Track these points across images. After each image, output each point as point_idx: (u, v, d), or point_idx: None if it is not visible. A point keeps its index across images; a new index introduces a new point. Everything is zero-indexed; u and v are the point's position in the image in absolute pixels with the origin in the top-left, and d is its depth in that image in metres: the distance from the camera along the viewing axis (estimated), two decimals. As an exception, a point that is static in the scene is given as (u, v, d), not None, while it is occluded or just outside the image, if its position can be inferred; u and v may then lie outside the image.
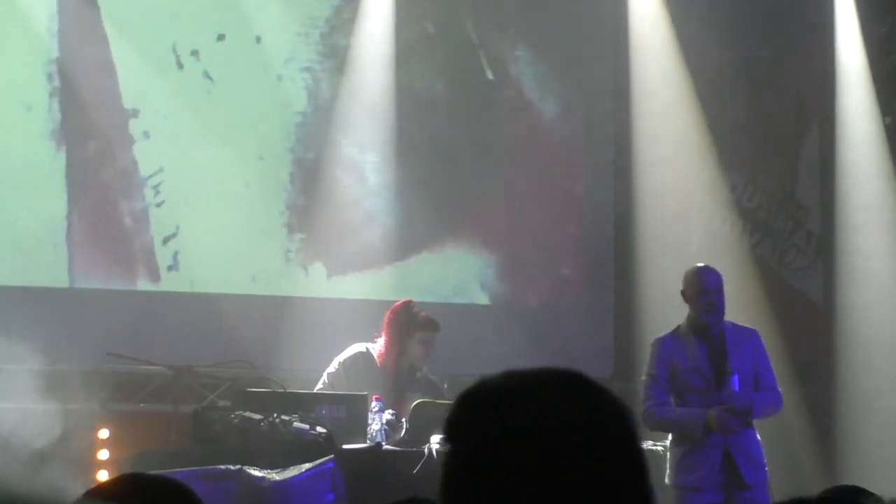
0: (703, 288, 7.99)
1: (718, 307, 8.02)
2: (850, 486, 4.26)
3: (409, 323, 8.52)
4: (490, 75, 11.15)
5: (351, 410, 8.13)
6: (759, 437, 8.08)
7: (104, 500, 2.58)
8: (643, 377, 8.21)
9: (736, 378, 8.03)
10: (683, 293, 8.11)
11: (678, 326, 8.15)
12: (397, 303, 8.63)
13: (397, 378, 8.56)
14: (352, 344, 8.59)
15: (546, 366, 1.91)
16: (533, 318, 11.00)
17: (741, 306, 10.26)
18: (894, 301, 11.23)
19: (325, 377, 8.47)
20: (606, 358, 11.05)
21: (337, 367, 8.48)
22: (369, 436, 8.04)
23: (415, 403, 8.15)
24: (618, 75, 11.29)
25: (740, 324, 8.29)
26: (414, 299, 8.77)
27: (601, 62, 11.35)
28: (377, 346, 8.53)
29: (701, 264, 8.38)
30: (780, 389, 8.15)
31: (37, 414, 8.89)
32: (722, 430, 7.87)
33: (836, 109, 11.46)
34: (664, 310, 9.08)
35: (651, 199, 11.17)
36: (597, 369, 10.28)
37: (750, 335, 8.22)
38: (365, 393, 8.18)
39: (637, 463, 1.83)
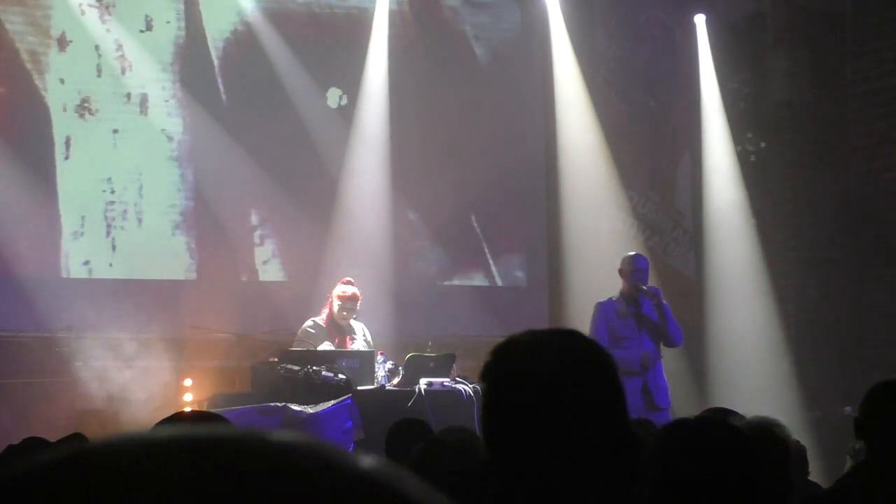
0: (636, 267, 8.90)
1: (645, 281, 8.94)
2: (719, 408, 4.37)
3: (335, 294, 9.29)
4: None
5: (362, 362, 8.81)
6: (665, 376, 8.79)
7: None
8: (589, 330, 8.76)
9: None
10: (621, 271, 8.94)
11: (614, 296, 8.91)
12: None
13: (336, 331, 9.22)
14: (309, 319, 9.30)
15: (553, 327, 2.05)
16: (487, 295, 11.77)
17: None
18: (744, 277, 12.19)
19: (299, 335, 9.22)
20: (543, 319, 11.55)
21: (300, 332, 9.23)
22: (376, 380, 8.78)
23: (408, 356, 8.89)
24: (548, 128, 12.10)
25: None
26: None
27: (535, 120, 12.18)
28: (323, 316, 9.27)
29: (633, 252, 9.21)
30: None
31: (144, 369, 9.64)
32: (650, 363, 8.70)
33: (702, 142, 12.58)
34: (588, 285, 9.93)
35: (574, 211, 11.95)
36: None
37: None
38: (373, 350, 9.04)
39: (617, 392, 1.95)
